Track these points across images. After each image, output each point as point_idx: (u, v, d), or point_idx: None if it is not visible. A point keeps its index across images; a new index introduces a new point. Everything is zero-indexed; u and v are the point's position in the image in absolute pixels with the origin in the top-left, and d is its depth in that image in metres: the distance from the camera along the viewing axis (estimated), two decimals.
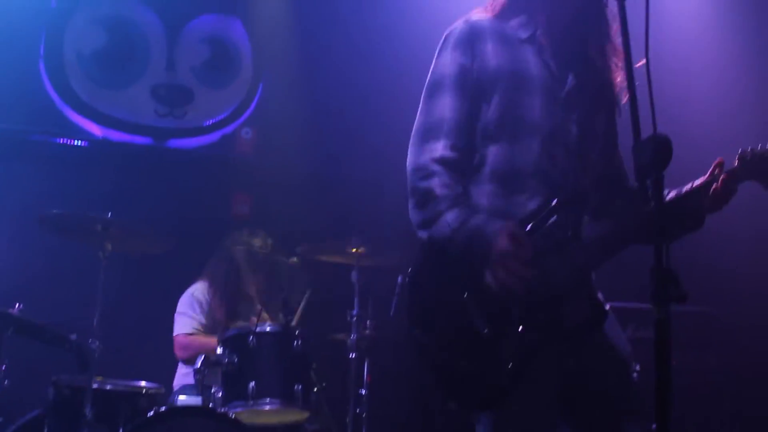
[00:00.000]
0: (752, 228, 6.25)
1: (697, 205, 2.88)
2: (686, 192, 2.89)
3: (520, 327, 2.73)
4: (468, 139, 2.91)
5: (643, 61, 2.57)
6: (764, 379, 6.08)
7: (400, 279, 5.36)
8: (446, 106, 2.91)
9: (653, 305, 2.40)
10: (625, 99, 2.83)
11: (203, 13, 7.44)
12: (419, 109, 2.99)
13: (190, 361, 5.58)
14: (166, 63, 7.26)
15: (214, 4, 7.47)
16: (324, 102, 7.41)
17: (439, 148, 2.87)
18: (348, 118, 7.29)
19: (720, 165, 2.85)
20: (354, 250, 5.69)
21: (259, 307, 5.61)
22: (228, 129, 7.40)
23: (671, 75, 6.28)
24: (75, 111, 6.99)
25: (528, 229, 2.82)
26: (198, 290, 5.89)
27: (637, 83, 2.57)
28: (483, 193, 2.89)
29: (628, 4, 2.65)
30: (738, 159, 2.86)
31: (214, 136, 7.37)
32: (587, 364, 2.86)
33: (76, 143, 6.98)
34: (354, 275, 5.71)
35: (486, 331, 2.74)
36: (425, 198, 2.83)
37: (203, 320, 5.80)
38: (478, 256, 2.73)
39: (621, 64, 2.95)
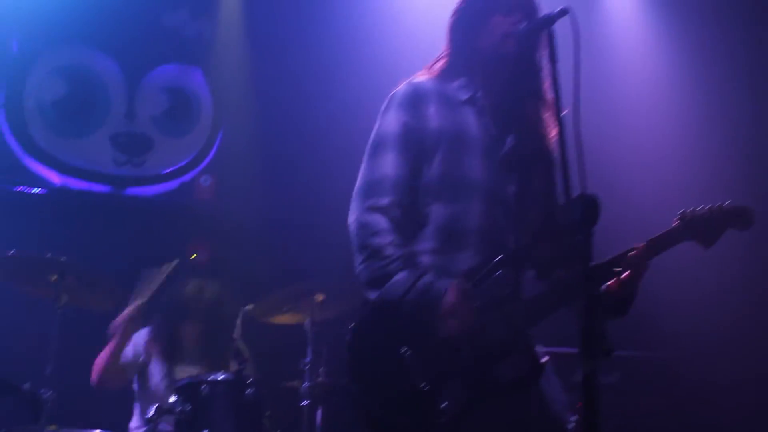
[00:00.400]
0: (696, 279, 6.41)
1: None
2: (607, 262, 2.99)
3: (458, 382, 2.82)
4: (410, 196, 3.01)
5: (567, 110, 2.71)
6: (709, 421, 6.19)
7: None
8: (389, 164, 3.02)
9: (581, 360, 2.51)
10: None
11: (164, 63, 7.54)
12: (362, 167, 3.09)
13: (103, 383, 5.55)
14: (126, 112, 7.33)
15: (175, 54, 7.57)
16: (282, 150, 7.52)
17: (384, 205, 2.96)
18: (305, 165, 7.38)
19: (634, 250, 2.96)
20: (310, 299, 5.75)
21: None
22: (187, 177, 7.48)
23: (605, 131, 6.51)
24: (34, 159, 7.04)
25: (471, 285, 2.92)
26: (137, 338, 5.87)
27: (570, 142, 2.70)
28: (426, 251, 2.98)
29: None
30: (678, 219, 2.99)
31: (173, 184, 7.44)
32: (523, 418, 2.94)
33: (34, 191, 7.01)
34: (307, 323, 5.77)
35: (424, 386, 2.81)
36: (374, 257, 2.91)
37: (134, 357, 5.71)
38: (426, 313, 2.80)
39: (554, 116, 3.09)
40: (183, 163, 7.48)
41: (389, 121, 3.09)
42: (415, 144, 3.05)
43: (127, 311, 5.48)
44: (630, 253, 2.93)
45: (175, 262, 5.52)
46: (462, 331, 2.81)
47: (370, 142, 3.13)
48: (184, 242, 7.26)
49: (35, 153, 7.05)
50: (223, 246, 7.22)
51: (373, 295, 2.93)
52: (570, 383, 3.11)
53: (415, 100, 3.11)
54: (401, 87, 3.17)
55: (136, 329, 5.60)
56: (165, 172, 7.42)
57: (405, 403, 2.84)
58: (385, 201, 2.97)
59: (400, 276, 2.86)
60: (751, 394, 6.47)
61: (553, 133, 3.15)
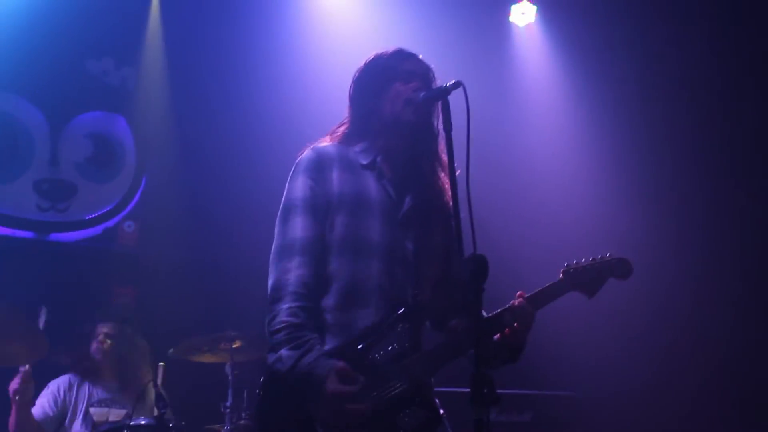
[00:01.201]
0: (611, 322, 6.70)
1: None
2: (496, 315, 3.19)
3: None
4: (319, 256, 3.18)
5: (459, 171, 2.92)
6: None
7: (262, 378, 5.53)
8: (297, 227, 3.18)
9: (472, 407, 2.70)
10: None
11: (88, 110, 7.63)
12: (275, 232, 3.25)
13: None
14: (50, 158, 7.40)
15: (99, 101, 7.66)
16: (204, 196, 7.67)
17: (293, 267, 3.12)
18: (227, 212, 7.52)
19: (521, 296, 3.18)
20: (229, 344, 5.89)
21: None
22: (111, 222, 7.56)
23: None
24: None
25: (364, 345, 3.09)
26: (55, 384, 5.89)
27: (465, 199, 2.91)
28: (328, 308, 3.15)
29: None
30: (562, 273, 3.21)
31: (96, 230, 7.51)
32: None
33: None
34: (228, 367, 5.90)
35: None
36: (272, 320, 3.07)
37: (50, 412, 5.75)
38: (310, 396, 2.94)
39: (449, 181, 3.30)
40: (107, 209, 7.56)
41: (296, 187, 3.26)
42: (320, 207, 3.22)
43: (20, 374, 5.47)
44: (516, 304, 3.14)
45: (44, 310, 5.55)
46: (349, 418, 2.92)
47: (281, 207, 3.28)
48: (108, 287, 7.33)
49: None
50: (145, 291, 7.31)
51: (270, 358, 3.07)
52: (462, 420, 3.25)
53: (319, 165, 3.28)
54: (306, 153, 3.34)
55: (31, 389, 5.51)
56: (89, 217, 7.49)
57: None
58: (294, 262, 3.12)
59: (284, 353, 2.99)
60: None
61: (448, 192, 3.36)
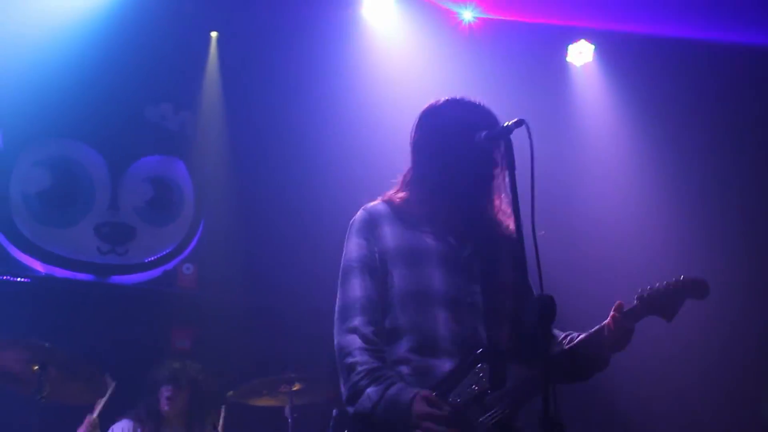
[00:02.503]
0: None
1: (598, 348, 3.14)
2: (586, 335, 3.16)
3: None
4: (379, 313, 3.17)
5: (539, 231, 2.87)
6: None
7: (335, 412, 5.50)
8: (356, 287, 3.19)
9: None
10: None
11: (147, 155, 7.73)
12: (337, 295, 3.25)
13: None
14: (110, 202, 7.50)
15: (158, 145, 7.77)
16: (262, 239, 7.69)
17: (355, 326, 3.11)
18: (285, 253, 7.53)
19: (619, 307, 3.13)
20: (288, 387, 5.87)
21: None
22: (169, 265, 7.61)
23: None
24: (18, 248, 7.14)
25: (443, 389, 3.05)
26: (117, 428, 5.90)
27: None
28: (401, 361, 3.12)
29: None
30: (637, 298, 3.14)
31: (155, 272, 7.56)
32: None
33: (19, 280, 7.09)
34: (287, 410, 5.87)
35: None
36: (348, 375, 3.05)
37: None
38: (400, 425, 2.93)
39: (509, 211, 3.27)
40: (166, 252, 7.62)
41: (351, 248, 3.28)
42: (375, 264, 3.23)
43: (86, 422, 5.52)
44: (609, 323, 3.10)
45: (113, 384, 5.60)
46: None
47: (340, 270, 3.29)
48: (167, 329, 7.37)
49: (20, 243, 7.16)
50: (204, 333, 7.32)
51: (350, 410, 3.06)
52: None
53: (371, 223, 3.29)
54: (358, 214, 3.36)
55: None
56: (148, 260, 7.55)
57: None
58: (356, 322, 3.12)
59: (369, 390, 2.98)
60: None
61: (511, 228, 3.32)
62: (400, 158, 3.49)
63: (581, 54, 8.22)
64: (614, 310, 3.12)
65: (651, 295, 3.11)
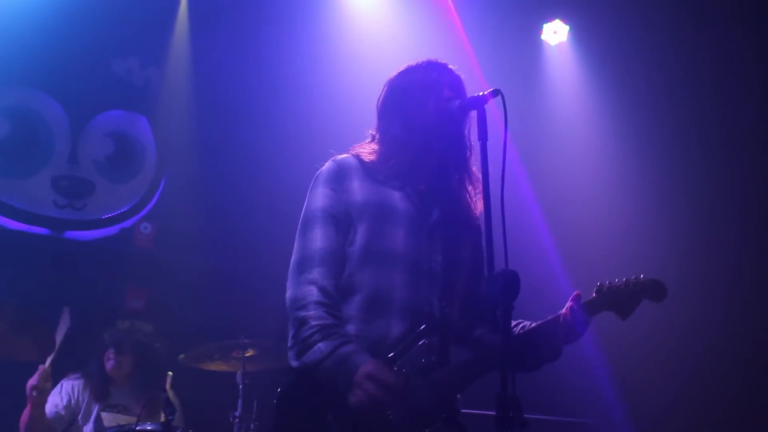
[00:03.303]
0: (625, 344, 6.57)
1: (551, 337, 3.09)
2: (539, 324, 3.12)
3: None
4: (339, 267, 3.09)
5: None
6: None
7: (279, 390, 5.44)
8: (317, 238, 3.11)
9: (497, 429, 2.59)
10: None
11: (110, 109, 7.55)
12: (295, 244, 3.17)
13: None
14: (69, 155, 7.32)
15: (122, 100, 7.59)
16: (223, 202, 7.59)
17: (313, 278, 3.03)
18: (246, 218, 7.44)
19: (576, 297, 3.09)
20: (241, 353, 5.79)
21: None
22: (127, 223, 7.47)
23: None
24: None
25: (393, 355, 2.99)
26: (68, 381, 5.82)
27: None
28: (351, 318, 3.05)
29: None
30: (596, 291, 3.11)
31: (112, 230, 7.41)
32: None
33: None
34: (239, 376, 5.80)
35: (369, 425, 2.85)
36: (299, 328, 2.98)
37: (62, 411, 5.68)
38: (343, 382, 2.87)
39: (480, 191, 3.20)
40: (124, 209, 7.47)
41: (316, 197, 3.19)
42: (340, 218, 3.14)
43: (39, 372, 5.44)
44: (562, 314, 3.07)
45: (67, 310, 5.48)
46: (374, 402, 2.84)
47: (300, 219, 3.21)
48: (121, 288, 7.25)
49: None
50: (158, 295, 7.21)
51: (295, 363, 2.99)
52: None
53: (339, 175, 3.21)
54: (326, 164, 3.28)
55: (49, 388, 5.49)
56: (105, 216, 7.40)
57: None
58: (315, 273, 3.04)
59: (318, 346, 2.92)
60: None
61: (478, 207, 3.26)
62: (366, 124, 3.43)
63: (556, 33, 8.17)
64: (571, 300, 3.09)
65: (610, 290, 3.11)
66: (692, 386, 6.75)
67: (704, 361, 6.79)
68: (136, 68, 7.63)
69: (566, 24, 8.15)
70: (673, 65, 7.48)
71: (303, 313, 2.98)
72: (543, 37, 8.23)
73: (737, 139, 7.25)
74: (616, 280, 3.16)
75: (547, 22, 8.20)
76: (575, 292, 3.14)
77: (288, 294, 3.08)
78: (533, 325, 3.14)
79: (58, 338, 5.39)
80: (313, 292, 3.01)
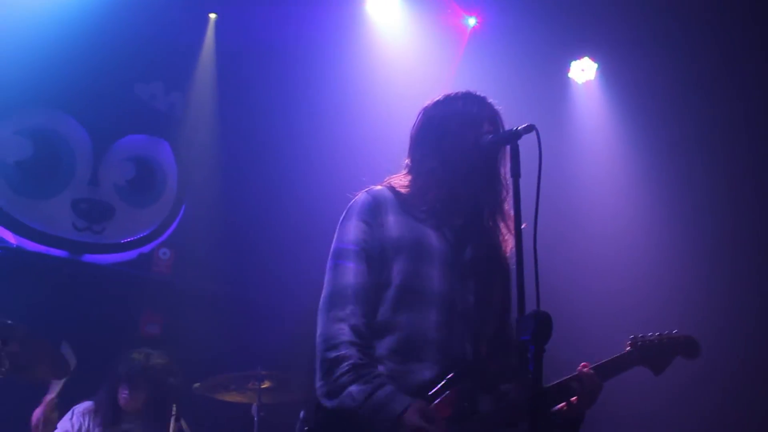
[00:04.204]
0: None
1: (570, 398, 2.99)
2: (558, 384, 3.01)
3: None
4: (372, 304, 2.98)
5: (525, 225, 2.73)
6: None
7: (302, 414, 5.35)
8: (350, 273, 2.98)
9: None
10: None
11: (132, 133, 7.54)
12: (325, 278, 3.04)
13: None
14: (90, 178, 7.30)
15: (144, 125, 7.58)
16: (243, 231, 7.55)
17: (345, 315, 2.92)
18: (266, 248, 7.38)
19: (586, 366, 3.00)
20: (257, 384, 5.72)
21: None
22: (146, 248, 7.43)
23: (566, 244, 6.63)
24: None
25: (430, 398, 2.89)
26: (79, 409, 5.73)
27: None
28: (382, 359, 2.95)
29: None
30: (629, 345, 3.02)
31: (131, 254, 7.37)
32: None
33: None
34: (254, 408, 5.72)
35: None
36: (329, 369, 2.87)
37: None
38: (382, 427, 2.75)
39: (512, 229, 3.08)
40: (143, 234, 7.43)
41: (348, 230, 3.07)
42: (374, 252, 3.03)
43: (44, 402, 5.38)
44: (584, 372, 2.95)
45: (73, 364, 5.41)
46: None
47: (331, 252, 3.09)
48: (137, 314, 7.20)
49: None
50: (175, 321, 7.15)
51: (328, 404, 2.87)
52: None
53: (374, 208, 3.10)
54: (360, 195, 3.16)
55: (55, 419, 5.47)
56: (124, 241, 7.36)
57: None
58: (347, 311, 2.93)
59: (352, 388, 2.81)
60: None
61: (510, 245, 3.17)
62: (394, 154, 3.35)
63: (584, 71, 8.13)
64: (581, 367, 3.00)
65: (644, 344, 3.04)
66: None
67: None
68: (160, 93, 7.63)
69: (594, 62, 8.09)
70: (704, 104, 7.40)
71: (334, 354, 2.87)
72: (570, 74, 8.18)
73: None
74: (650, 334, 3.08)
75: (575, 60, 8.15)
76: (583, 364, 3.04)
77: (318, 331, 2.96)
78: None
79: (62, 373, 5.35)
80: (344, 331, 2.90)
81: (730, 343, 6.56)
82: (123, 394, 5.76)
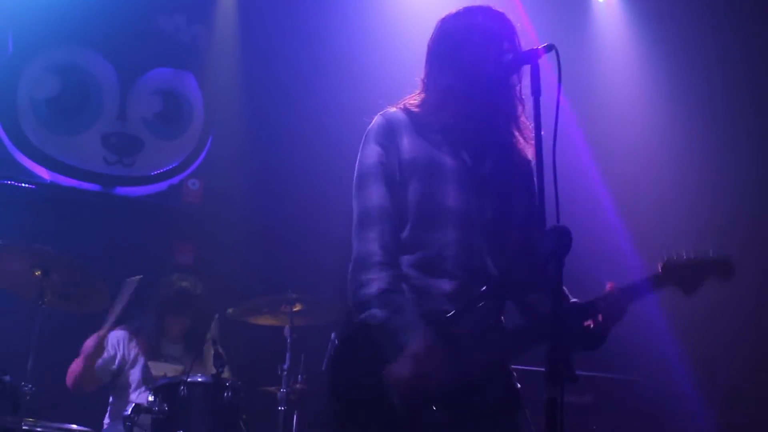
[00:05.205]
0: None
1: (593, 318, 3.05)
2: (584, 304, 3.07)
3: (438, 407, 2.87)
4: (397, 223, 3.09)
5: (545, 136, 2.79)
6: None
7: (333, 335, 5.50)
8: (373, 195, 3.09)
9: (546, 384, 2.59)
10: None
11: (158, 66, 7.63)
12: (353, 203, 3.16)
13: (79, 389, 5.69)
14: (118, 112, 7.41)
15: (169, 57, 7.66)
16: (270, 158, 7.64)
17: (375, 236, 3.04)
18: (293, 175, 7.48)
19: (612, 286, 3.04)
20: (289, 307, 5.87)
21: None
22: (175, 179, 7.56)
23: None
24: (24, 155, 7.10)
25: (452, 315, 3.00)
26: (118, 335, 5.90)
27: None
28: (406, 275, 3.06)
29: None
30: (662, 266, 3.04)
31: (161, 186, 7.52)
32: None
33: (23, 185, 7.06)
34: (287, 330, 5.87)
35: (403, 409, 2.87)
36: (359, 288, 3.00)
37: (109, 365, 5.80)
38: (390, 353, 2.89)
39: (531, 139, 3.15)
40: (172, 166, 7.56)
41: (368, 154, 3.17)
42: (393, 174, 3.13)
43: (100, 332, 5.57)
44: (611, 293, 3.01)
45: (138, 277, 5.57)
46: (420, 384, 2.83)
47: (355, 176, 3.20)
48: (169, 243, 7.35)
49: (26, 149, 7.11)
50: (206, 249, 7.31)
51: (357, 319, 3.01)
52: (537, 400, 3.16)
53: (389, 132, 3.17)
54: (375, 119, 3.24)
55: (101, 352, 5.69)
56: (154, 173, 7.50)
57: (386, 426, 2.90)
58: (376, 231, 3.05)
59: (374, 311, 2.94)
60: (720, 415, 6.60)
61: (529, 160, 3.25)
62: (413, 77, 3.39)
63: None
64: (609, 286, 3.03)
65: (677, 265, 3.03)
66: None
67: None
68: (183, 25, 7.68)
69: None
70: (726, 21, 7.32)
71: (364, 276, 3.00)
72: None
73: None
74: (684, 254, 3.08)
75: None
76: (609, 284, 3.07)
77: (354, 250, 3.09)
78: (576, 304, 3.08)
79: (118, 306, 5.50)
80: (375, 251, 3.02)
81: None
82: (169, 319, 5.95)
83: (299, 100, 7.56)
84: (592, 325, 3.02)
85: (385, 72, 6.77)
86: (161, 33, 7.63)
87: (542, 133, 2.80)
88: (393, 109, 3.26)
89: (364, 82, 6.95)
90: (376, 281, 2.98)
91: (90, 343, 5.63)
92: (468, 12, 3.27)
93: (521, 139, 3.25)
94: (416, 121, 3.21)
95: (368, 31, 7.52)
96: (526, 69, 2.97)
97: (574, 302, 3.07)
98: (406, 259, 3.08)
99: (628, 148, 7.41)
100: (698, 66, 7.44)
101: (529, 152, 3.23)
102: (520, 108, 3.23)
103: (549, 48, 2.88)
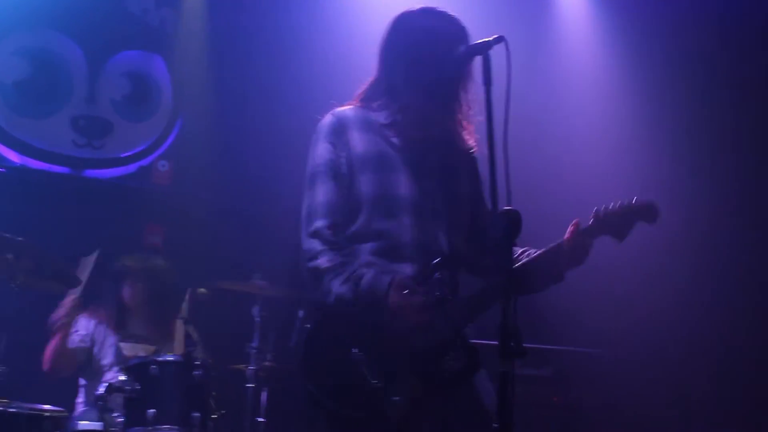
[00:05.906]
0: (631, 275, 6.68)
1: (555, 263, 3.24)
2: (543, 251, 3.26)
3: (407, 377, 3.06)
4: (343, 217, 3.27)
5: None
6: (641, 414, 6.45)
7: (300, 313, 5.61)
8: (320, 192, 3.28)
9: (498, 360, 2.74)
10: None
11: (126, 49, 7.67)
12: (303, 199, 3.34)
13: (56, 369, 5.78)
14: (87, 95, 7.46)
15: (137, 40, 7.71)
16: (238, 140, 7.71)
17: (317, 229, 3.22)
18: (260, 157, 7.53)
19: (576, 225, 3.23)
20: (257, 287, 6.00)
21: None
22: (145, 161, 7.63)
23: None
24: None
25: (410, 287, 3.15)
26: (83, 320, 6.01)
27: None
28: (366, 265, 3.22)
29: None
30: (592, 216, 3.24)
31: (131, 168, 7.58)
32: (460, 411, 3.21)
33: None
34: (255, 309, 5.99)
35: (375, 382, 3.04)
36: (315, 276, 3.18)
37: (83, 343, 5.92)
38: (376, 312, 3.06)
39: (471, 126, 3.40)
40: (142, 148, 7.62)
41: (318, 152, 3.35)
42: (342, 169, 3.30)
43: (65, 304, 5.66)
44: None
45: (97, 251, 5.68)
46: (411, 322, 3.05)
47: (306, 174, 3.38)
48: (140, 225, 7.42)
49: None
50: (176, 231, 7.41)
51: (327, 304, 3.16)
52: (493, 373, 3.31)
53: (339, 129, 3.36)
54: (326, 117, 3.42)
55: (75, 320, 5.82)
56: (124, 155, 7.56)
57: (359, 399, 3.05)
58: (318, 224, 3.23)
59: (332, 285, 3.12)
60: (677, 386, 6.75)
61: (473, 146, 3.44)
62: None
63: None
64: (572, 226, 3.22)
65: (606, 214, 3.21)
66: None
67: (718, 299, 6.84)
68: (152, 7, 7.72)
69: None
70: (690, 12, 7.39)
71: (312, 264, 3.17)
72: None
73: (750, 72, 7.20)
74: (611, 204, 3.26)
75: None
76: (575, 220, 3.25)
77: (302, 246, 3.26)
78: (539, 252, 3.28)
79: (83, 276, 5.59)
80: (318, 243, 3.19)
81: None
82: (126, 288, 6.07)
83: (267, 83, 7.62)
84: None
85: (351, 56, 6.84)
86: (130, 16, 7.67)
87: (492, 122, 2.94)
88: (342, 108, 3.46)
89: (332, 65, 7.04)
90: (324, 262, 3.16)
91: (56, 315, 5.72)
92: (418, 12, 3.45)
93: (460, 120, 3.43)
94: (366, 116, 3.40)
95: (335, 16, 7.56)
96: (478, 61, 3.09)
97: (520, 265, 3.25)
98: (367, 248, 3.25)
99: (586, 138, 7.50)
100: (660, 56, 7.51)
101: (472, 140, 3.43)
102: (464, 98, 3.38)
103: (499, 39, 3.01)
